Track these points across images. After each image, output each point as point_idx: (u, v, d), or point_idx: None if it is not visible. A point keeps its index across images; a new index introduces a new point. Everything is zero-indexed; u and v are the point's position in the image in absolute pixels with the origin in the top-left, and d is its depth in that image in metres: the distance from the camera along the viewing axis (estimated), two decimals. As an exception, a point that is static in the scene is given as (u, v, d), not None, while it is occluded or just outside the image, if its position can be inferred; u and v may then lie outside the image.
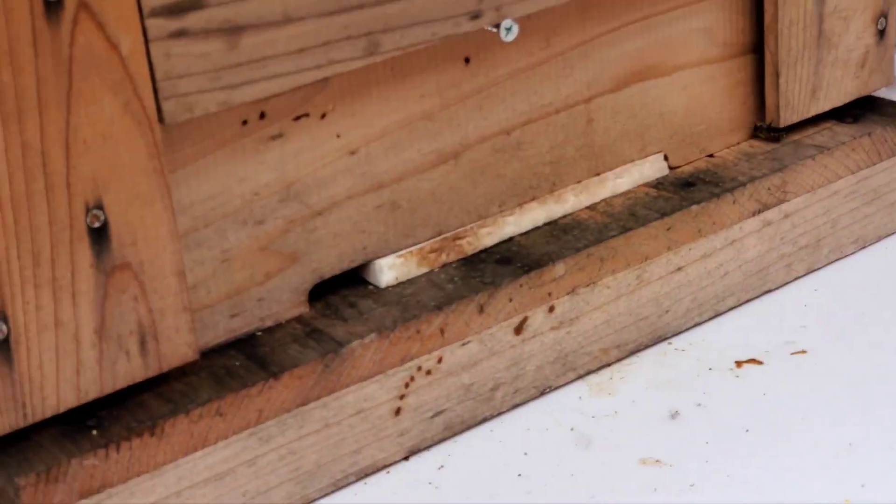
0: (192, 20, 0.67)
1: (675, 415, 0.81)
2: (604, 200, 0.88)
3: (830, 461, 0.75)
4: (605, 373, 0.85)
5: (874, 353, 0.85)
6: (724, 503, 0.73)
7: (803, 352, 0.85)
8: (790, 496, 0.72)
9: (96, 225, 0.67)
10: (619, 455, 0.78)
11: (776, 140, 0.94)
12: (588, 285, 0.83)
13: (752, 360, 0.85)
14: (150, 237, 0.69)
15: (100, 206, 0.67)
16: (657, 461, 0.77)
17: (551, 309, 0.82)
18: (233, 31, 0.68)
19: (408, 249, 0.81)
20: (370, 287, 0.81)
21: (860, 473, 0.74)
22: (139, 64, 0.66)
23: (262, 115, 0.74)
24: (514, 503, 0.75)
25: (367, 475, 0.78)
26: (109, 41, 0.65)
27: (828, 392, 0.81)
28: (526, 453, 0.79)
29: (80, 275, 0.67)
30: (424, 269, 0.82)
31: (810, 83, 0.93)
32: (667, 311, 0.87)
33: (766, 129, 0.94)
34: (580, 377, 0.85)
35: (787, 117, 0.93)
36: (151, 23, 0.66)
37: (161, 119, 0.68)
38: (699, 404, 0.81)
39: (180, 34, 0.67)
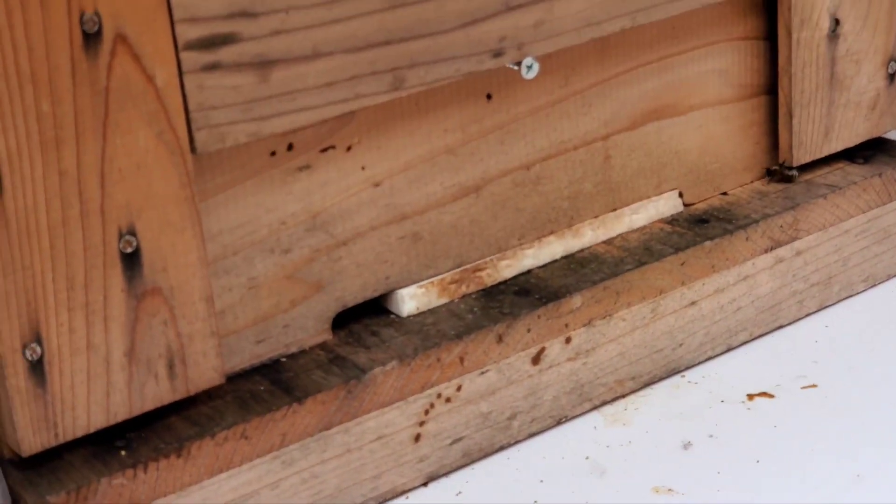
0: (226, 54, 0.69)
1: (687, 445, 0.82)
2: (620, 235, 0.90)
3: (839, 493, 0.77)
4: (620, 404, 0.87)
5: (883, 387, 0.86)
6: (735, 531, 0.74)
7: (814, 386, 0.87)
8: (800, 525, 0.74)
9: (129, 251, 0.69)
10: (632, 484, 0.79)
11: (789, 181, 0.96)
12: (604, 317, 0.85)
13: (764, 394, 0.87)
14: (181, 263, 0.71)
15: (132, 233, 0.69)
16: (669, 490, 0.78)
17: (568, 340, 0.84)
18: (264, 64, 0.70)
19: (429, 280, 0.83)
20: (392, 316, 0.83)
21: (868, 504, 0.76)
22: (173, 95, 0.68)
23: (290, 147, 0.76)
24: (529, 528, 0.77)
25: (386, 500, 0.79)
26: (145, 73, 0.67)
27: (837, 425, 0.83)
28: (542, 481, 0.80)
29: (112, 299, 0.69)
30: (445, 300, 0.84)
31: (823, 124, 0.95)
32: (680, 345, 0.89)
33: (781, 168, 0.95)
34: (595, 407, 0.86)
35: (800, 157, 0.95)
36: (186, 56, 0.68)
37: (193, 149, 0.70)
38: (711, 435, 0.83)
39: (214, 67, 0.69)
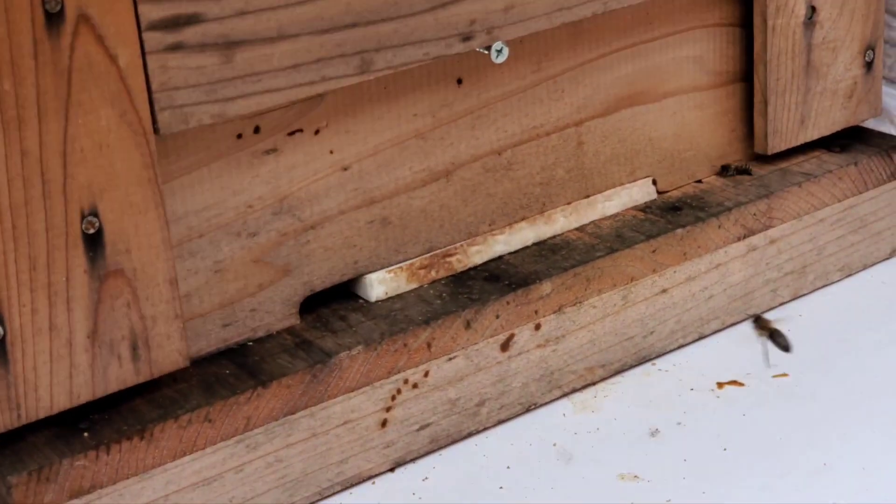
0: (189, 34, 0.69)
1: (655, 433, 0.82)
2: (592, 222, 0.90)
3: (805, 481, 0.77)
4: (590, 391, 0.87)
5: (854, 378, 0.86)
6: (699, 518, 0.74)
7: (784, 375, 0.87)
8: (764, 513, 0.74)
9: (91, 231, 0.69)
10: (598, 470, 0.79)
11: (747, 173, 0.95)
12: (574, 304, 0.85)
13: (734, 382, 0.86)
14: (144, 245, 0.71)
15: (95, 214, 0.69)
16: (636, 476, 0.78)
17: (538, 327, 0.83)
18: (228, 45, 0.70)
19: (398, 265, 0.83)
20: (360, 301, 0.82)
21: (833, 493, 0.75)
22: (136, 76, 0.68)
23: (257, 130, 0.76)
24: (494, 514, 0.76)
25: (352, 485, 0.79)
26: (108, 53, 0.67)
27: (806, 414, 0.83)
28: (508, 467, 0.80)
29: (75, 280, 0.69)
30: (414, 285, 0.83)
31: (799, 112, 0.95)
32: (651, 332, 0.89)
33: (735, 171, 0.95)
34: (565, 395, 0.86)
35: (776, 145, 0.95)
36: (149, 36, 0.68)
37: (156, 130, 0.69)
38: (679, 423, 0.83)
39: (177, 47, 0.69)
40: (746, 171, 0.95)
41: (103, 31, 0.67)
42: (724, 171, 0.95)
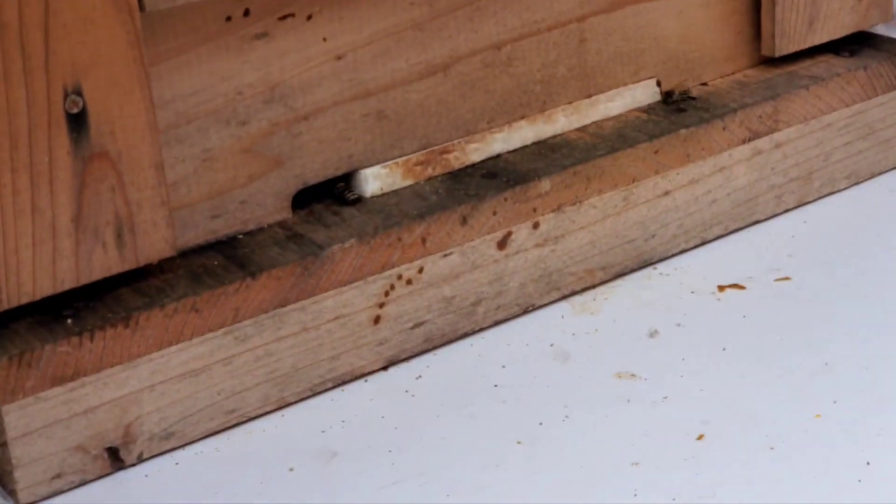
0: None
1: (654, 333, 0.80)
2: (594, 122, 0.88)
3: (805, 380, 0.75)
4: (590, 294, 0.85)
5: (857, 282, 0.84)
6: (695, 415, 0.72)
7: (787, 278, 0.85)
8: (762, 410, 0.72)
9: (74, 111, 0.67)
10: (595, 369, 0.77)
11: (684, 110, 0.91)
12: (574, 204, 0.83)
13: (735, 285, 0.85)
14: (129, 127, 0.69)
15: (78, 92, 0.67)
16: (633, 375, 0.76)
17: (536, 225, 0.82)
18: (216, -79, 0.68)
19: (393, 161, 0.81)
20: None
21: (833, 391, 0.74)
22: (121, -51, 0.66)
23: (247, 13, 0.74)
24: (487, 411, 0.75)
25: (344, 382, 0.78)
26: (92, -75, 0.65)
27: (807, 316, 0.81)
28: (504, 366, 0.79)
29: (58, 161, 0.67)
30: (410, 181, 0.82)
31: (807, 14, 0.92)
32: (653, 236, 0.87)
33: (679, 98, 0.92)
34: (564, 297, 0.85)
35: (783, 47, 0.92)
36: None
37: (142, 6, 0.67)
38: (679, 324, 0.81)
39: (163, -79, 0.67)
40: (690, 98, 0.91)
41: None
42: (667, 97, 0.91)
